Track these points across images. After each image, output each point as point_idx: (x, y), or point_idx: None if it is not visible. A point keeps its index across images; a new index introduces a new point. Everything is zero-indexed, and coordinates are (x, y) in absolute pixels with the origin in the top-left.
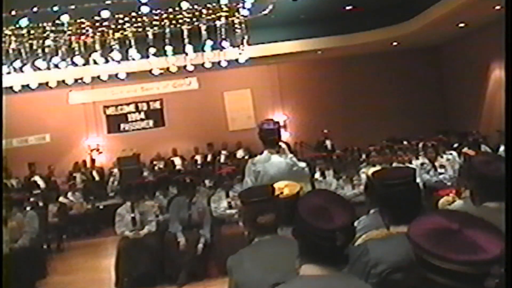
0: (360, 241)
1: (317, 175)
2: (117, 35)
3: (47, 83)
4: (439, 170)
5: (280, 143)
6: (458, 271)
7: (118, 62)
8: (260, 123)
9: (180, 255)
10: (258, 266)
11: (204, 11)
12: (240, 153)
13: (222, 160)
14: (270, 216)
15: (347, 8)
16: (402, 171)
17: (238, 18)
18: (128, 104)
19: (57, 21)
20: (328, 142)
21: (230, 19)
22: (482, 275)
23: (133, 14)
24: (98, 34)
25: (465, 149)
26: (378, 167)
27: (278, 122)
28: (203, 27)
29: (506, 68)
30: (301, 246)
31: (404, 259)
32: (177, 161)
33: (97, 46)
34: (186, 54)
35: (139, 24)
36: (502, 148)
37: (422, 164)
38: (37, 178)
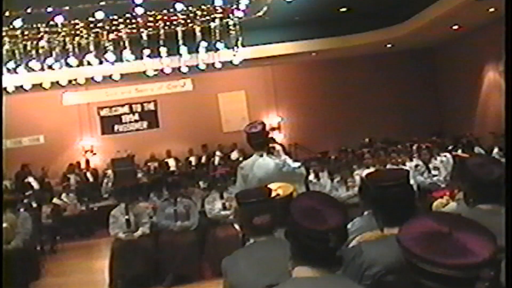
0: (354, 243)
1: (311, 176)
2: (112, 36)
3: (41, 84)
4: (433, 172)
5: (275, 145)
6: (447, 275)
7: (112, 63)
8: (246, 127)
9: (173, 256)
10: (253, 268)
11: (199, 12)
12: (234, 155)
13: (216, 161)
14: (266, 217)
15: (342, 10)
16: (395, 173)
17: (232, 19)
18: (122, 105)
19: (51, 22)
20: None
21: (224, 20)
22: (472, 278)
23: (128, 15)
24: (93, 35)
25: (456, 152)
26: (372, 169)
27: (263, 123)
28: (197, 29)
29: (506, 68)
30: (294, 248)
31: (398, 261)
32: (171, 162)
33: (91, 47)
34: (181, 55)
35: (134, 26)
36: (495, 150)
37: (416, 166)
38: (30, 179)
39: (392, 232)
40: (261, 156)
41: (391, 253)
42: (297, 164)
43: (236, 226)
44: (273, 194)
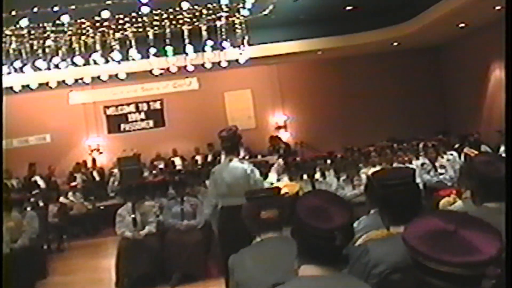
0: (360, 241)
1: (318, 175)
2: (118, 35)
3: (47, 83)
4: (440, 171)
5: (280, 143)
6: (453, 273)
7: (119, 62)
8: (219, 131)
9: (179, 255)
10: (259, 266)
11: (205, 11)
12: (240, 153)
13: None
14: (273, 212)
15: (347, 8)
16: (401, 172)
17: (238, 18)
18: (128, 104)
19: (57, 21)
20: None
21: (230, 19)
22: (478, 276)
23: (134, 14)
24: (99, 34)
25: (466, 149)
26: (378, 168)
27: (236, 128)
28: (203, 27)
29: (506, 68)
30: (300, 247)
31: (404, 259)
32: (177, 161)
33: (98, 46)
34: (187, 54)
35: (140, 24)
36: (502, 148)
37: (422, 164)
38: (37, 178)
39: (398, 230)
40: (231, 160)
41: (397, 252)
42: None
43: None
44: (282, 192)
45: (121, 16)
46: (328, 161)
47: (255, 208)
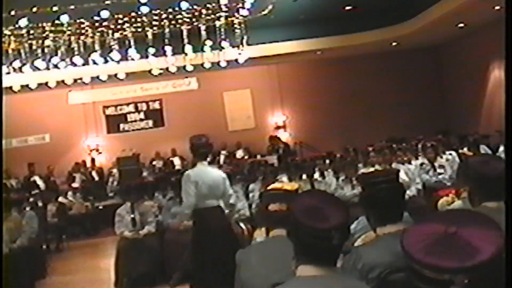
0: (359, 241)
1: (317, 175)
2: (117, 35)
3: (46, 83)
4: (439, 170)
5: (278, 143)
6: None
7: (118, 62)
8: (191, 138)
9: (179, 255)
10: (264, 264)
11: (204, 11)
12: (239, 153)
13: (221, 160)
14: (281, 205)
15: (347, 8)
16: (384, 172)
17: (237, 18)
18: (127, 104)
19: (56, 21)
20: None
21: (229, 19)
22: (447, 282)
23: (133, 14)
24: (98, 34)
25: (463, 150)
26: (377, 167)
27: (204, 135)
28: (202, 27)
29: (506, 68)
30: (297, 247)
31: (398, 258)
32: (176, 161)
33: (97, 46)
34: (186, 54)
35: (139, 24)
36: (501, 148)
37: (421, 164)
38: (36, 178)
39: (384, 231)
40: (205, 165)
41: (390, 252)
42: (232, 199)
43: (241, 225)
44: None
45: (120, 16)
46: (327, 161)
47: (265, 201)
